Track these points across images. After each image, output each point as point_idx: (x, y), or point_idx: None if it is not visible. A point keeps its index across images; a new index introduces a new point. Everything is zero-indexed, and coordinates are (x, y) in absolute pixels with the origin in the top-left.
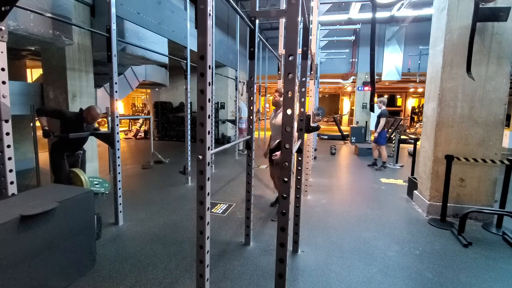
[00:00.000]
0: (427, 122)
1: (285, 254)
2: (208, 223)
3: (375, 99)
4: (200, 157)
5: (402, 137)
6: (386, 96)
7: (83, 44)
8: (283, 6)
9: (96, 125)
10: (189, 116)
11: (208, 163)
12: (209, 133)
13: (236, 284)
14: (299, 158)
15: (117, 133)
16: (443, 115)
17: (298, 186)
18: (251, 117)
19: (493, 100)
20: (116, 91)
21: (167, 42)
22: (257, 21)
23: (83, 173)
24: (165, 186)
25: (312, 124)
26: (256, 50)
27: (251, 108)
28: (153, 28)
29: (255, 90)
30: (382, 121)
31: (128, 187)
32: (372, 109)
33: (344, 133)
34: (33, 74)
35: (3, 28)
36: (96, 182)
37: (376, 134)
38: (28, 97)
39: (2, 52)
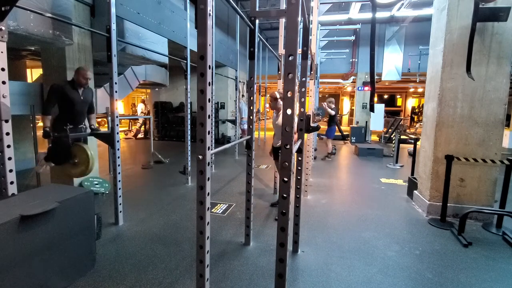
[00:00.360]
0: (427, 122)
1: (285, 254)
2: (208, 223)
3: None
4: (200, 157)
5: (402, 137)
6: (386, 96)
7: (83, 44)
8: (283, 6)
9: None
10: (189, 116)
11: (208, 163)
12: (209, 133)
13: (236, 284)
14: (299, 158)
15: (117, 133)
16: (443, 115)
17: (298, 186)
18: (251, 117)
19: (493, 100)
20: (116, 91)
21: (167, 42)
22: (257, 21)
23: (88, 147)
24: (165, 186)
25: (312, 124)
26: (256, 50)
27: (251, 108)
28: (153, 28)
29: (255, 90)
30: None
31: (128, 187)
32: (372, 109)
33: (344, 133)
34: (33, 74)
35: (3, 28)
36: (96, 182)
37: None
38: (28, 97)
39: (2, 52)
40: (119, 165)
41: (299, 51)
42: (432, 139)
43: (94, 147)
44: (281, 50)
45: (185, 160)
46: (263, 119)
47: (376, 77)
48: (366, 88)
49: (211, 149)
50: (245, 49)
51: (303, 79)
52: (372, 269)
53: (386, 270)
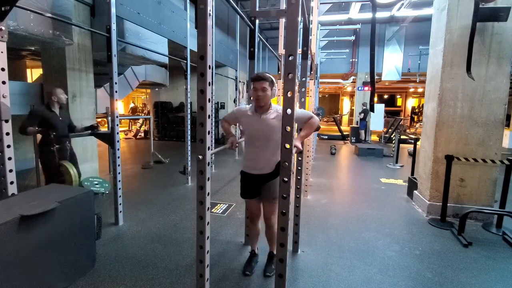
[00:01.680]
0: (427, 122)
1: (285, 254)
2: (208, 223)
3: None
4: (200, 157)
5: (402, 137)
6: (386, 96)
7: (83, 44)
8: (283, 6)
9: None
10: (189, 116)
11: (208, 163)
12: (209, 133)
13: (236, 284)
14: (299, 158)
15: (117, 133)
16: (443, 115)
17: (298, 186)
18: None
19: (493, 100)
20: (116, 91)
21: (167, 42)
22: (257, 21)
23: (72, 166)
24: (165, 186)
25: None
26: (256, 50)
27: None
28: (153, 28)
29: None
30: None
31: (128, 187)
32: (372, 109)
33: (344, 133)
34: (33, 74)
35: (3, 28)
36: (96, 182)
37: None
38: (28, 97)
39: (2, 52)
40: (119, 165)
41: (299, 51)
42: (432, 139)
43: (94, 147)
44: (281, 50)
45: (185, 160)
46: None
47: (376, 77)
48: (366, 88)
49: (211, 149)
50: (245, 49)
51: (303, 79)
52: (372, 269)
53: (386, 270)
